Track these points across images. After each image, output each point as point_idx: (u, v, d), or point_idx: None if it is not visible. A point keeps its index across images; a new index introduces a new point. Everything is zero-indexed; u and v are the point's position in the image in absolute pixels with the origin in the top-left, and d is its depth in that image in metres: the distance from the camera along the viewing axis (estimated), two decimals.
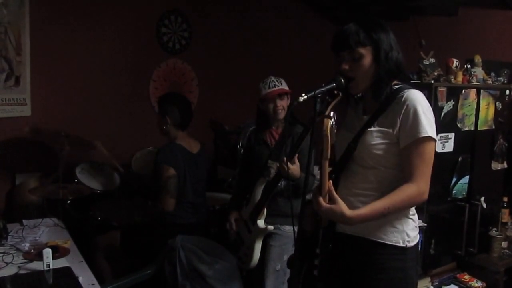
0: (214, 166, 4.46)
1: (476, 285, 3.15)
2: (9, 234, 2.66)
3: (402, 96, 1.78)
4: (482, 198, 3.16)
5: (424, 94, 1.82)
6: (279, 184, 2.75)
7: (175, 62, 4.65)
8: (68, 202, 3.44)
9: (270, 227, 2.80)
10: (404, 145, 1.76)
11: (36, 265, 2.29)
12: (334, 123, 1.62)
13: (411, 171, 1.74)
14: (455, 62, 3.07)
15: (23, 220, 2.90)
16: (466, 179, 3.10)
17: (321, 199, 1.68)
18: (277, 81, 2.89)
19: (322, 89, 1.73)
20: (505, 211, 3.45)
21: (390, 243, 1.82)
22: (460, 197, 3.10)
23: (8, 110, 3.68)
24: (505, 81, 3.36)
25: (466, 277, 3.19)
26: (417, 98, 1.77)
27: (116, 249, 3.20)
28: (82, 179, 3.60)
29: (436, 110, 2.81)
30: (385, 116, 1.80)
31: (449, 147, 2.95)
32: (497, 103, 3.21)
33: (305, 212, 1.79)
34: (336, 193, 1.72)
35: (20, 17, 3.66)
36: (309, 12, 5.26)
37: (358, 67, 1.79)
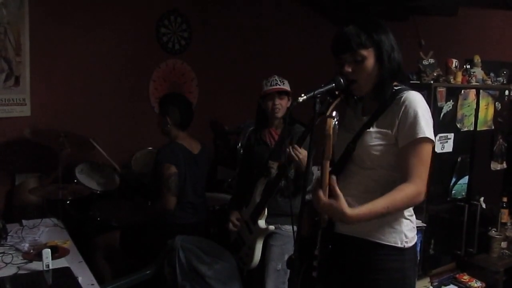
0: (214, 166, 4.46)
1: (476, 285, 3.15)
2: (9, 234, 2.66)
3: (401, 97, 1.79)
4: (482, 198, 3.16)
5: (424, 95, 1.82)
6: (280, 184, 2.76)
7: (175, 63, 4.65)
8: (68, 202, 3.44)
9: (271, 227, 2.81)
10: (402, 145, 1.76)
11: (35, 265, 2.29)
12: (336, 123, 1.61)
13: (409, 171, 1.74)
14: (454, 62, 3.07)
15: (23, 220, 2.91)
16: (465, 179, 3.10)
17: (321, 193, 1.65)
18: (279, 80, 2.90)
19: (322, 90, 1.72)
20: (505, 211, 3.44)
21: (388, 243, 1.82)
22: (459, 197, 3.10)
23: (7, 110, 3.68)
24: (505, 82, 3.36)
25: (465, 277, 3.19)
26: (416, 100, 1.77)
27: (116, 250, 3.20)
28: (81, 180, 3.60)
29: (436, 110, 2.81)
30: (384, 117, 1.81)
31: (449, 147, 2.95)
32: (496, 103, 3.21)
33: (303, 214, 1.78)
34: None
35: (20, 18, 3.66)
36: (309, 12, 5.26)
37: (360, 69, 1.79)
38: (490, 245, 3.25)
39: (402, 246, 1.83)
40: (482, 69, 3.24)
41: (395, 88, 1.83)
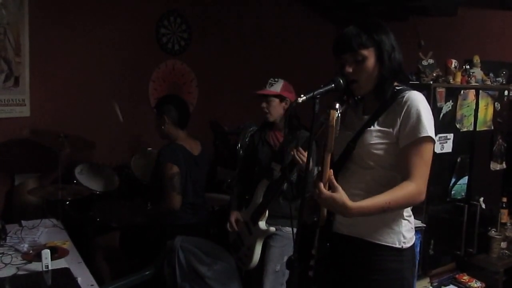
0: (213, 167, 4.46)
1: (475, 285, 3.15)
2: (8, 235, 2.66)
3: (403, 96, 1.79)
4: (481, 199, 3.16)
5: (423, 95, 1.83)
6: (282, 187, 2.75)
7: (175, 63, 4.65)
8: (67, 203, 3.44)
9: (272, 228, 2.81)
10: (404, 144, 1.76)
11: (35, 266, 2.29)
12: (339, 115, 1.61)
13: (410, 170, 1.74)
14: (454, 62, 3.07)
15: (22, 221, 2.91)
16: (465, 179, 3.10)
17: (321, 185, 1.64)
18: (269, 82, 2.90)
19: (321, 90, 1.73)
20: (504, 212, 3.45)
21: (386, 244, 1.82)
22: (459, 197, 3.10)
23: (7, 110, 3.68)
24: (504, 82, 3.36)
25: (465, 278, 3.19)
26: (418, 99, 1.78)
27: (115, 250, 3.20)
28: (81, 180, 3.60)
29: (435, 110, 2.81)
30: (385, 116, 1.81)
31: (448, 147, 2.95)
32: (496, 103, 3.21)
33: (305, 202, 1.76)
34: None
35: (19, 18, 3.66)
36: (309, 13, 5.26)
37: (361, 70, 1.79)
38: (490, 245, 3.25)
39: (400, 246, 1.82)
40: (481, 69, 3.24)
41: (397, 88, 1.84)
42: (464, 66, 3.16)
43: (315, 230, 1.83)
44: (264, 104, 2.87)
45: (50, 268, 2.20)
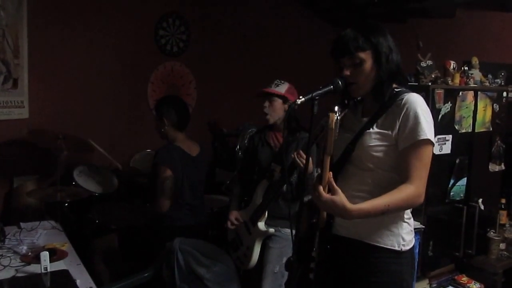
0: (212, 169, 4.46)
1: (474, 287, 3.14)
2: (7, 237, 2.66)
3: (402, 99, 1.80)
4: (480, 200, 3.16)
5: (422, 96, 1.83)
6: (282, 188, 2.75)
7: (173, 65, 4.65)
8: (66, 204, 3.43)
9: (271, 229, 2.81)
10: (403, 147, 1.76)
11: (33, 268, 2.29)
12: (338, 118, 1.61)
13: (409, 172, 1.74)
14: (452, 64, 3.08)
15: (21, 223, 2.90)
16: (463, 181, 3.10)
17: (321, 188, 1.64)
18: (275, 83, 2.90)
19: (320, 92, 1.73)
20: (503, 213, 3.45)
21: (386, 246, 1.82)
22: (458, 199, 3.10)
23: (5, 112, 3.68)
24: (502, 83, 3.36)
25: (464, 279, 3.19)
26: (417, 101, 1.78)
27: (114, 252, 3.20)
28: (80, 182, 3.60)
29: (434, 112, 2.80)
30: (384, 118, 1.81)
31: (447, 149, 2.95)
32: (494, 105, 3.22)
33: (302, 212, 1.78)
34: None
35: (18, 20, 3.66)
36: (308, 15, 5.26)
37: (359, 72, 1.80)
38: (489, 246, 3.25)
39: (399, 249, 1.83)
40: (480, 70, 3.24)
41: (396, 90, 1.84)
42: (462, 68, 3.16)
43: (315, 232, 1.83)
44: (266, 103, 2.86)
45: (49, 270, 2.20)
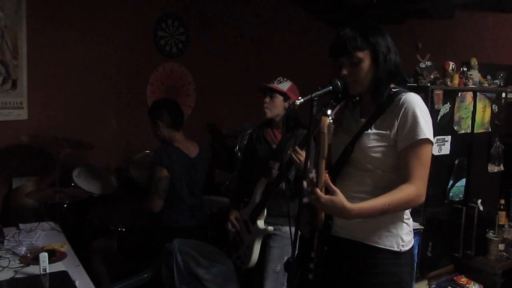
0: (211, 169, 4.46)
1: (474, 287, 3.15)
2: (6, 238, 2.66)
3: (400, 99, 1.79)
4: (479, 201, 3.16)
5: (421, 97, 1.83)
6: (281, 185, 2.75)
7: (172, 66, 4.65)
8: (65, 206, 3.43)
9: (270, 228, 2.80)
10: (402, 147, 1.76)
11: (32, 269, 2.29)
12: (331, 121, 1.61)
13: (409, 173, 1.74)
14: (451, 65, 3.08)
15: (20, 224, 2.90)
16: (463, 181, 3.10)
17: (319, 191, 1.63)
18: (278, 80, 2.90)
19: (319, 92, 1.73)
20: (502, 214, 3.45)
21: (385, 247, 1.82)
22: (457, 199, 3.10)
23: (4, 113, 3.68)
24: (501, 84, 3.37)
25: (463, 280, 3.19)
26: (415, 101, 1.78)
27: (113, 253, 3.20)
28: (79, 183, 3.60)
29: (433, 113, 2.80)
30: (383, 119, 1.81)
31: (446, 150, 2.95)
32: (493, 105, 3.22)
33: (301, 213, 1.77)
34: None
35: (17, 21, 3.66)
36: (307, 16, 5.27)
37: (357, 72, 1.80)
38: (488, 247, 3.25)
39: (398, 250, 1.82)
40: (479, 71, 3.25)
41: (393, 90, 1.84)
42: (461, 68, 3.17)
43: (314, 233, 1.83)
44: (267, 99, 2.86)
45: (48, 271, 2.20)
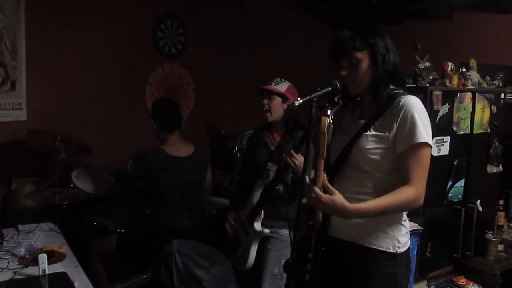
0: (210, 170, 4.45)
1: None
2: (5, 239, 2.65)
3: (400, 101, 1.80)
4: (478, 201, 3.16)
5: (420, 98, 1.83)
6: (278, 187, 2.74)
7: (172, 67, 4.65)
8: (64, 207, 3.42)
9: (266, 230, 2.80)
10: (400, 150, 1.76)
11: (31, 270, 2.28)
12: (331, 121, 1.61)
13: (408, 175, 1.74)
14: (450, 65, 3.08)
15: (19, 225, 2.90)
16: (462, 182, 3.10)
17: (318, 190, 1.64)
18: (275, 81, 2.89)
19: (318, 93, 1.74)
20: (501, 214, 3.45)
21: (381, 248, 1.82)
22: (456, 200, 3.10)
23: (3, 114, 3.68)
24: (500, 85, 3.37)
25: (462, 280, 3.19)
26: (415, 104, 1.78)
27: (112, 254, 3.19)
28: (78, 184, 3.59)
29: (432, 113, 2.81)
30: (382, 121, 1.82)
31: (445, 150, 2.95)
32: (492, 106, 3.22)
33: (300, 214, 1.77)
34: None
35: (16, 22, 3.66)
36: (306, 17, 5.27)
37: (356, 72, 1.81)
38: (487, 248, 3.25)
39: (394, 251, 1.83)
40: (478, 72, 3.25)
41: (393, 92, 1.84)
42: (460, 69, 3.17)
43: (311, 234, 1.83)
44: (265, 101, 2.84)
45: (47, 272, 2.19)
